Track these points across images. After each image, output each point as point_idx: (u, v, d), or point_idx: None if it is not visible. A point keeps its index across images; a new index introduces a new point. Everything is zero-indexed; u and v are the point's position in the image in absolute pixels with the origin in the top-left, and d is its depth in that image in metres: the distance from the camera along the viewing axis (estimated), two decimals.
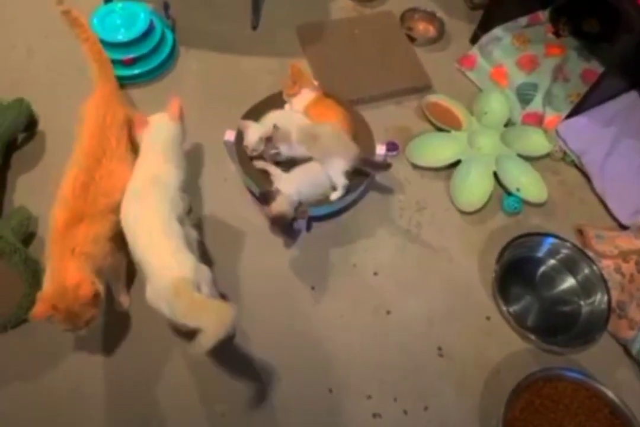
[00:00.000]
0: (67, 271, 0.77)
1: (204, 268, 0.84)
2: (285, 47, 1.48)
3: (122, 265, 0.98)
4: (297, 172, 1.06)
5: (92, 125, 0.90)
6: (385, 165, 1.10)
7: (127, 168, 0.92)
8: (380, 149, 1.18)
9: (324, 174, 1.05)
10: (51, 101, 1.25)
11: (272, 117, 1.12)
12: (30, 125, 1.21)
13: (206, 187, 1.22)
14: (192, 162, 1.24)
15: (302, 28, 1.52)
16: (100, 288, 0.80)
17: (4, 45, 1.42)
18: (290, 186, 1.01)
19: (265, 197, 0.99)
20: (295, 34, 1.51)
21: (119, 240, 0.88)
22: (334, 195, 1.07)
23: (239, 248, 1.15)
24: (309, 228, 1.19)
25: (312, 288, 1.11)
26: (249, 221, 1.18)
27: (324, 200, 1.07)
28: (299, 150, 1.07)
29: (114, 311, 1.01)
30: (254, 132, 1.07)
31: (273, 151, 1.05)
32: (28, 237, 1.07)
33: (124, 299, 1.02)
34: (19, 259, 0.94)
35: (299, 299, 1.09)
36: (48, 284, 0.77)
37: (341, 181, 1.05)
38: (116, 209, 0.87)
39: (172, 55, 1.43)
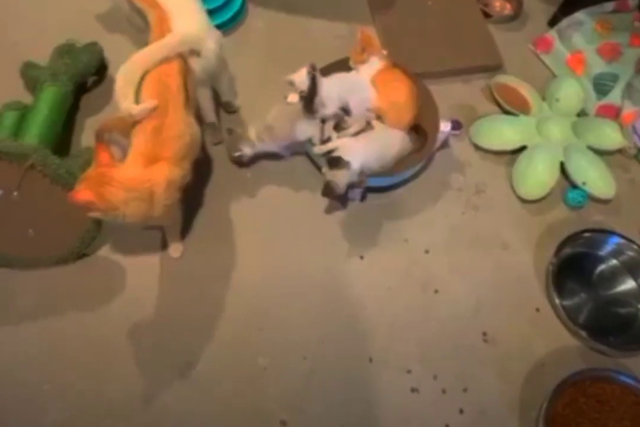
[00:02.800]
0: (122, 175, 0.78)
1: (216, 32, 0.99)
2: (354, 13, 1.43)
3: (179, 213, 0.99)
4: (366, 141, 1.02)
5: (152, 75, 0.89)
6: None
7: (187, 113, 0.90)
8: (445, 126, 1.14)
9: (392, 142, 1.02)
10: (122, 47, 1.24)
11: (336, 78, 1.07)
12: (101, 69, 1.21)
13: None
14: (251, 123, 1.22)
15: None
16: (98, 215, 0.78)
17: None
18: (357, 157, 0.97)
19: (335, 162, 0.96)
20: (366, 1, 1.45)
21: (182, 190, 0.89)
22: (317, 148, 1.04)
23: (292, 211, 1.13)
24: (363, 198, 1.16)
25: (361, 257, 1.09)
26: (304, 185, 1.15)
27: (384, 171, 1.04)
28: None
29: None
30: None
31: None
32: None
33: (176, 247, 1.03)
34: None
35: (347, 266, 1.08)
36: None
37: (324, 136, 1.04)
38: (189, 155, 0.88)
39: (241, 11, 1.39)
